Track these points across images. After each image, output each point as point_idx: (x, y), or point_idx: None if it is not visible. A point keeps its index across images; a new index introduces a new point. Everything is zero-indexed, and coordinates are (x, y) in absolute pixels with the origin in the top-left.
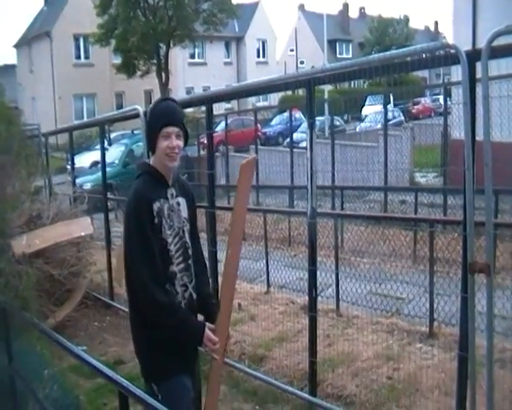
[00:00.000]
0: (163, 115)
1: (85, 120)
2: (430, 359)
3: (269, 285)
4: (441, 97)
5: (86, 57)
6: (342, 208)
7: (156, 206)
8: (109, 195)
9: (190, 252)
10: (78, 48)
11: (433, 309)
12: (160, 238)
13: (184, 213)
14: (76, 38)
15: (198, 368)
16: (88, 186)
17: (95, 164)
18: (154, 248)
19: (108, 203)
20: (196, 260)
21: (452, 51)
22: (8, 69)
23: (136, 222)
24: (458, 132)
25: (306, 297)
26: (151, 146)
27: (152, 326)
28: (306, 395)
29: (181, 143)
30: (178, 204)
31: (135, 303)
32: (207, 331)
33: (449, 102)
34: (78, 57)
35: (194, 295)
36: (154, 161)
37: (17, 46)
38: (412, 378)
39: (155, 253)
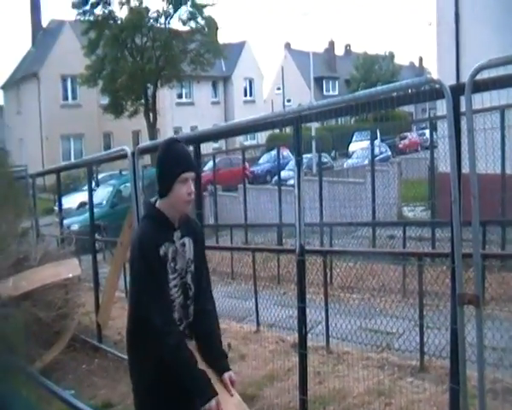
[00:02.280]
0: (181, 160)
1: (73, 160)
2: (422, 392)
3: (258, 324)
4: (427, 132)
5: (74, 98)
6: (331, 245)
7: (162, 250)
8: (97, 236)
9: (191, 293)
10: (65, 89)
11: (424, 343)
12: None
13: (190, 253)
14: (64, 79)
15: None
16: (75, 227)
17: (82, 205)
18: (165, 288)
19: (96, 244)
20: (205, 310)
21: (437, 86)
22: None
23: (144, 265)
24: (445, 166)
25: (296, 335)
26: (164, 189)
27: (148, 372)
28: None
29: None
30: (183, 245)
31: (134, 347)
32: (218, 399)
33: (435, 136)
34: (66, 98)
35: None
36: (163, 204)
37: (4, 87)
38: None
39: (166, 293)
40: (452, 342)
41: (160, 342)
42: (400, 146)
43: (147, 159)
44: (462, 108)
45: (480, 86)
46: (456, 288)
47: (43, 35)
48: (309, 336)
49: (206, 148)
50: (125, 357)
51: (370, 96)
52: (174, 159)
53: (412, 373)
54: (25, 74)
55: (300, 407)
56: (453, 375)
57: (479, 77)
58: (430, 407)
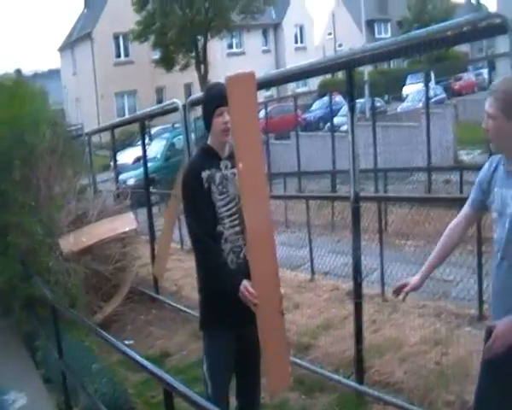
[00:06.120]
0: (216, 97)
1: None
2: (480, 343)
3: (313, 272)
4: (485, 71)
5: (126, 55)
6: (385, 191)
7: (206, 173)
8: (152, 189)
9: None
10: (118, 46)
11: (482, 291)
12: (209, 201)
13: None
14: (116, 37)
15: (251, 337)
16: (131, 182)
17: (138, 160)
18: (202, 207)
19: (152, 197)
20: None
21: (497, 21)
22: (54, 74)
23: (186, 188)
24: None
25: (351, 283)
26: (207, 124)
27: (205, 278)
28: (353, 383)
29: None
30: (234, 174)
31: (195, 256)
32: (245, 282)
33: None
34: (119, 55)
35: None
36: (210, 138)
37: (60, 50)
38: (462, 363)
39: (203, 211)
40: None
41: (193, 248)
42: (456, 87)
43: (199, 111)
44: None
45: None
46: None
47: None
48: (364, 283)
49: (258, 96)
50: (182, 307)
51: (424, 36)
52: (211, 97)
53: (470, 322)
54: (79, 36)
55: (356, 355)
56: None
57: None
58: None
